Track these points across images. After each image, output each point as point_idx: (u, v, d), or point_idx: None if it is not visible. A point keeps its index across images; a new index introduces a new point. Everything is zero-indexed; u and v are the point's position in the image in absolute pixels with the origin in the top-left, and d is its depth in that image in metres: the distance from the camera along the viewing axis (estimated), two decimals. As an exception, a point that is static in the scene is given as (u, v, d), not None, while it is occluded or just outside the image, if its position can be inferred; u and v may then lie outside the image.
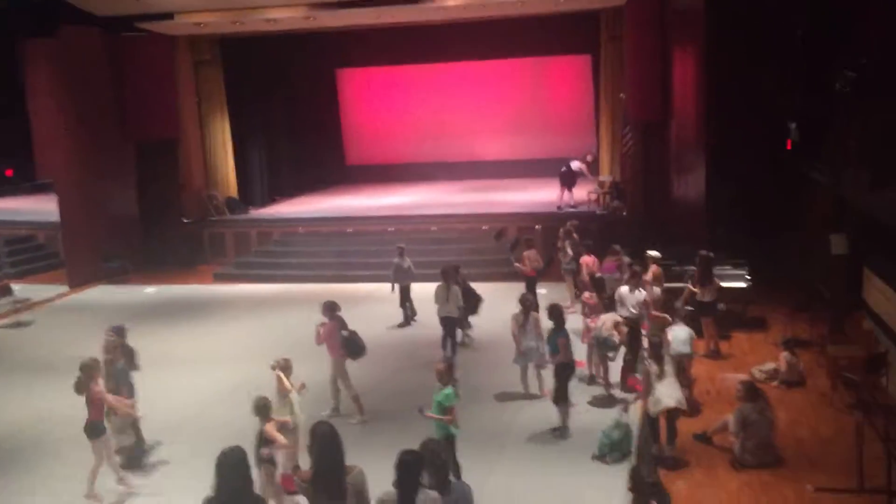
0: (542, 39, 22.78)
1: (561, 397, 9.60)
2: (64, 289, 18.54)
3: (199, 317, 15.92)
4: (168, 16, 18.89)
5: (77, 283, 18.74)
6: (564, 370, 9.61)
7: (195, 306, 16.77)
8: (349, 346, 10.27)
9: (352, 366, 10.60)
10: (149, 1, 17.47)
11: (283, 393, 8.40)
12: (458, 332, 12.63)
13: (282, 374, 8.43)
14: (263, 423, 7.63)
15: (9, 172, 20.39)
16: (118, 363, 9.30)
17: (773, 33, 14.16)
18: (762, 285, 13.35)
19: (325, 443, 5.40)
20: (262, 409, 7.66)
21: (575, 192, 20.13)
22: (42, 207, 20.53)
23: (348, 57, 25.11)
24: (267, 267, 19.03)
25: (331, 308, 10.51)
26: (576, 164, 19.67)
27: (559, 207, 19.38)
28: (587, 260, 13.81)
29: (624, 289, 11.21)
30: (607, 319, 10.61)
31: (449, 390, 8.07)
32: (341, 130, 26.95)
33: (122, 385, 9.11)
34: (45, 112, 18.79)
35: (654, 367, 8.74)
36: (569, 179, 19.51)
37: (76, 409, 8.59)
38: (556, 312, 9.91)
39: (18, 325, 16.12)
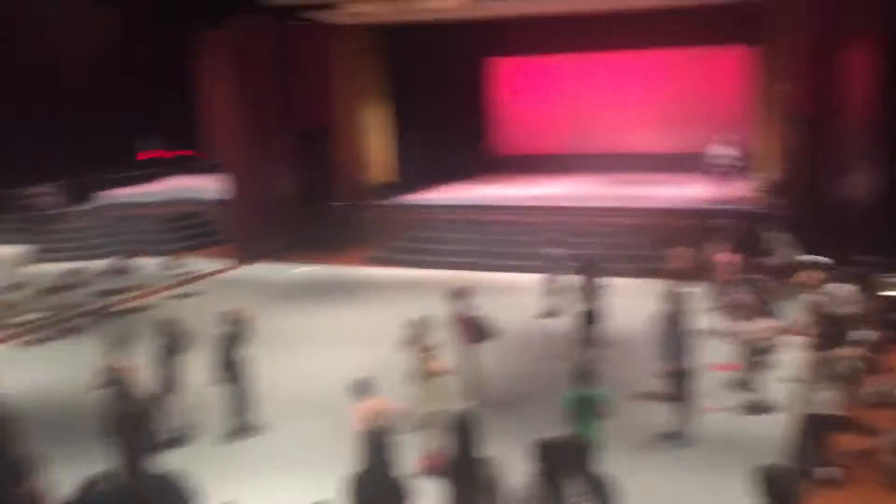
0: (702, 29, 21.91)
1: (679, 398, 9.27)
2: (228, 263, 19.65)
3: (351, 297, 16.48)
4: (331, 5, 19.53)
5: (240, 259, 19.82)
6: (683, 372, 9.26)
7: (348, 287, 17.39)
8: (478, 328, 10.31)
9: (488, 355, 10.66)
10: (314, -9, 18.09)
11: (429, 374, 8.57)
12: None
13: (428, 356, 8.58)
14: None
15: (182, 153, 21.80)
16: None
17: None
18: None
19: (465, 432, 5.45)
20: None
21: (731, 189, 19.32)
22: (209, 186, 21.86)
23: (502, 46, 25.13)
24: (418, 252, 19.40)
25: (459, 294, 10.55)
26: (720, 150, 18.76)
27: (716, 202, 18.65)
28: (724, 258, 13.23)
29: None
30: (764, 324, 10.16)
31: (570, 392, 7.82)
32: (491, 119, 27.04)
33: None
34: (216, 98, 19.96)
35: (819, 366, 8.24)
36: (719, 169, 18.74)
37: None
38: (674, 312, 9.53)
39: (186, 295, 17.23)
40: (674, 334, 9.55)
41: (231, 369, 9.71)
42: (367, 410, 7.56)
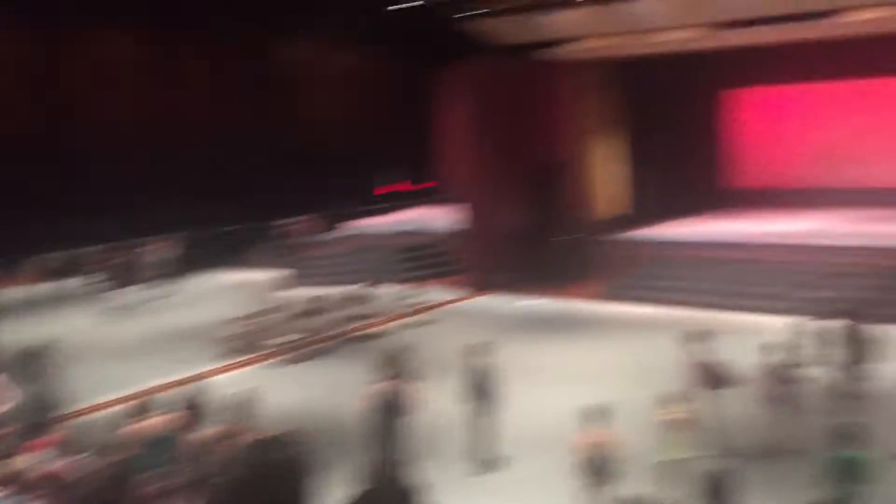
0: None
1: None
2: (463, 294, 20.29)
3: (583, 333, 16.43)
4: (564, 42, 19.78)
5: (475, 289, 20.42)
6: None
7: (580, 322, 17.40)
8: (713, 374, 9.90)
9: (731, 403, 10.18)
10: (546, 28, 18.40)
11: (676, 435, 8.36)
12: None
13: (678, 418, 8.39)
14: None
15: (422, 186, 22.92)
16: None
17: None
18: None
19: (718, 490, 5.24)
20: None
21: None
22: (445, 218, 22.76)
23: (740, 76, 24.19)
24: (652, 289, 18.89)
25: (698, 337, 10.19)
26: None
27: None
28: None
29: None
30: None
31: (835, 453, 7.30)
32: (729, 152, 26.02)
33: None
34: (453, 133, 20.87)
35: None
36: None
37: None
38: None
39: (422, 323, 17.97)
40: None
41: (483, 401, 10.04)
42: (590, 439, 7.62)
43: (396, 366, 9.67)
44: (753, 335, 14.97)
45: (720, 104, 25.96)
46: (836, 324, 11.60)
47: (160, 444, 7.81)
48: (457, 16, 18.27)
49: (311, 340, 16.20)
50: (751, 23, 17.45)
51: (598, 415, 8.01)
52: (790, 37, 18.97)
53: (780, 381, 10.17)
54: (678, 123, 24.52)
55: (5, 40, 19.44)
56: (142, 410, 8.37)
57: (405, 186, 27.41)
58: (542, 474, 9.87)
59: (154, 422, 8.16)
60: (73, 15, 20.27)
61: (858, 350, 11.38)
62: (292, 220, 24.42)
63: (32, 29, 20.23)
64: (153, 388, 12.67)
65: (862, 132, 23.20)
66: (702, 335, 10.35)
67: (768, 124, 25.01)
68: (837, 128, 23.61)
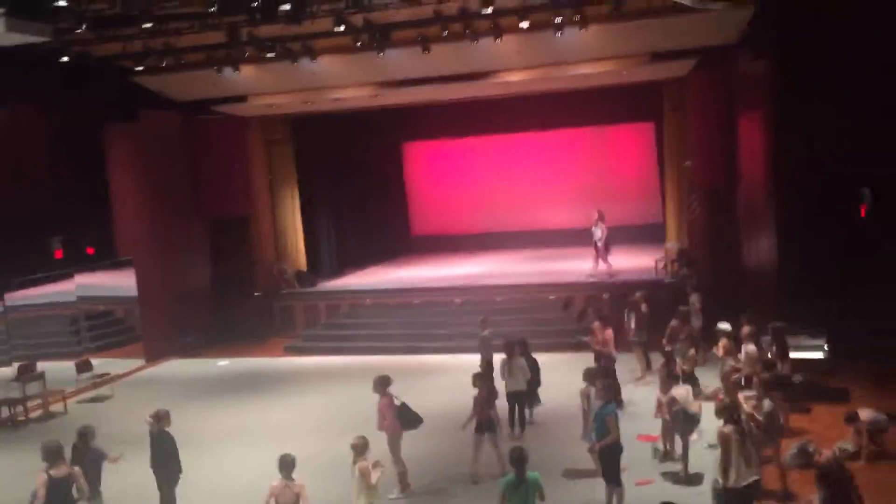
0: (605, 109, 22.90)
1: (611, 477, 9.32)
2: (140, 363, 19.06)
3: (270, 390, 16.13)
4: (241, 98, 19.70)
5: (153, 357, 19.27)
6: (612, 449, 9.32)
7: (266, 379, 17.02)
8: (403, 416, 10.27)
9: (420, 437, 10.55)
10: (222, 85, 18.22)
11: (367, 483, 8.48)
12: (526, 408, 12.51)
13: (366, 467, 8.47)
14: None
15: (90, 250, 21.25)
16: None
17: (842, 98, 14.03)
18: (844, 355, 12.92)
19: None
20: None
21: (640, 260, 19.96)
22: (120, 283, 21.29)
23: (413, 131, 25.63)
24: (336, 339, 19.25)
25: (382, 383, 10.56)
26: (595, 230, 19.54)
27: (591, 276, 19.33)
28: (598, 328, 13.55)
29: None
30: (684, 393, 10.40)
31: (506, 478, 7.85)
32: (407, 202, 27.41)
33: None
34: (126, 191, 19.72)
35: (735, 436, 8.34)
36: (598, 245, 19.46)
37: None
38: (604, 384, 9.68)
39: (97, 399, 16.60)
40: (597, 409, 9.68)
41: (166, 467, 9.55)
42: (282, 488, 7.94)
43: (62, 450, 8.73)
44: (436, 373, 15.90)
45: (400, 157, 27.27)
46: (506, 357, 12.56)
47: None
48: (132, 70, 17.43)
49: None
50: (417, 82, 18.62)
51: (287, 464, 8.14)
52: (449, 95, 20.56)
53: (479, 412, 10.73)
54: (362, 176, 25.38)
55: None
56: None
57: (73, 250, 25.24)
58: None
59: None
60: None
61: (524, 379, 12.39)
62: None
63: None
64: None
65: (524, 181, 25.60)
66: (384, 381, 10.62)
67: (442, 175, 26.68)
68: (503, 177, 25.81)
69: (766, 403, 9.68)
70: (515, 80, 18.70)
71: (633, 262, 20.99)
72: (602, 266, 19.45)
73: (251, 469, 11.46)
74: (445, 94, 20.28)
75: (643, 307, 14.66)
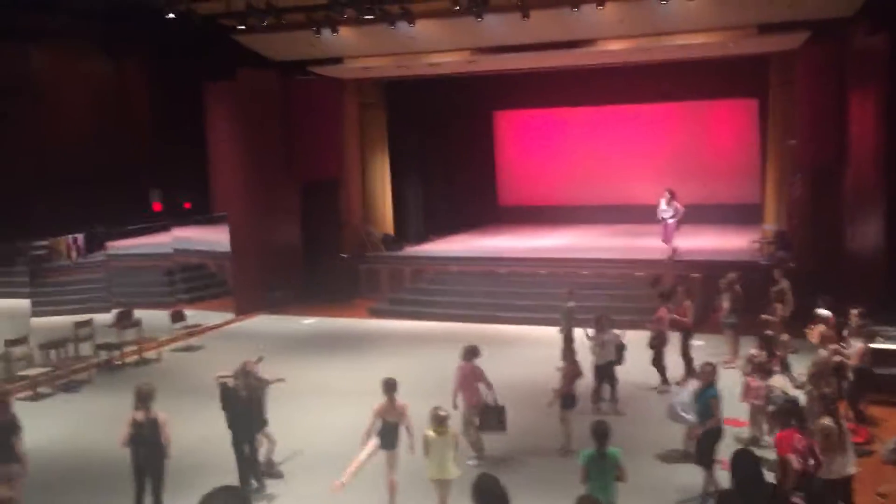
0: (706, 83, 22.16)
1: (706, 461, 9.06)
2: (230, 316, 19.59)
3: (352, 350, 16.35)
4: (338, 60, 19.82)
5: (243, 311, 19.77)
6: (713, 433, 9.08)
7: (349, 339, 17.25)
8: (485, 416, 10.28)
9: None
10: (321, 46, 18.35)
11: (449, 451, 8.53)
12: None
13: (430, 434, 8.50)
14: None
15: (187, 205, 21.88)
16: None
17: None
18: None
19: (492, 499, 5.24)
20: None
21: (737, 240, 19.31)
22: (214, 238, 21.90)
23: (506, 99, 25.36)
24: (420, 304, 19.34)
25: (471, 352, 10.49)
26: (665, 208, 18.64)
27: (669, 258, 18.61)
28: (662, 314, 13.13)
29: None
30: (783, 381, 10.06)
31: (586, 451, 7.66)
32: (496, 171, 27.22)
33: None
34: (222, 149, 20.17)
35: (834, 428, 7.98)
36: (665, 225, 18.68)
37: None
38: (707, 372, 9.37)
39: (189, 349, 17.17)
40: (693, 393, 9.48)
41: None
42: (388, 407, 8.91)
43: (154, 395, 9.03)
44: (520, 344, 15.80)
45: (491, 126, 27.08)
46: (592, 331, 12.38)
47: None
48: (233, 29, 17.74)
49: (73, 370, 14.98)
50: (514, 49, 18.35)
51: (391, 386, 9.02)
52: (548, 63, 20.20)
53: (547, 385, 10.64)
54: (452, 144, 25.33)
55: None
56: None
57: (171, 204, 26.07)
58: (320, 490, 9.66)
59: None
60: None
61: (611, 355, 12.19)
62: (50, 241, 22.38)
63: None
64: None
65: (618, 154, 25.08)
66: (472, 351, 10.58)
67: (534, 145, 26.38)
68: (596, 150, 25.37)
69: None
70: (615, 49, 18.24)
71: (728, 242, 20.36)
72: (667, 246, 18.78)
73: (329, 427, 11.65)
74: (541, 62, 19.94)
75: (737, 288, 14.19)
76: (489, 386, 10.33)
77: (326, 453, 10.63)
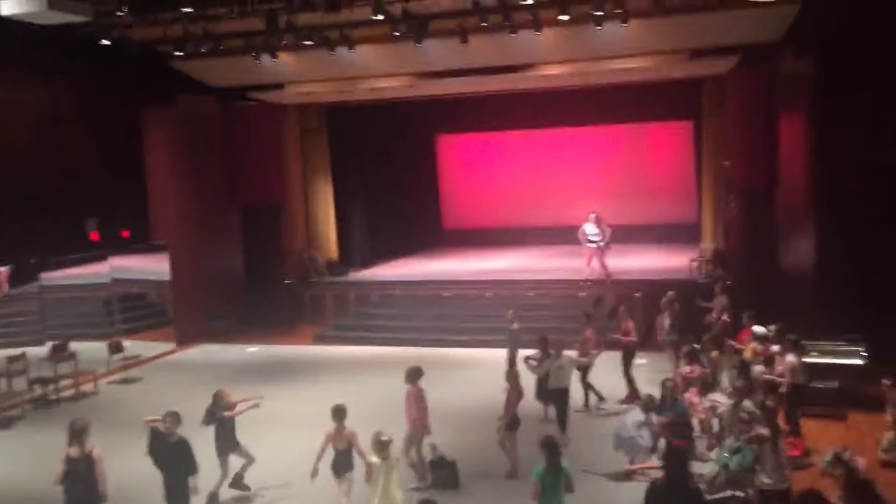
0: (643, 106, 22.67)
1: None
2: (171, 346, 19.20)
3: (298, 378, 16.15)
4: (278, 86, 19.74)
5: (183, 340, 19.41)
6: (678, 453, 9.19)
7: (295, 367, 17.04)
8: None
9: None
10: (260, 72, 18.25)
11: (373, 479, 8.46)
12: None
13: (374, 461, 8.44)
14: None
15: (125, 233, 21.42)
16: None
17: (888, 99, 13.69)
18: (883, 363, 12.59)
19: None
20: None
21: (675, 259, 19.70)
22: (154, 267, 21.47)
23: (448, 123, 25.57)
24: (365, 329, 19.24)
25: (414, 374, 10.49)
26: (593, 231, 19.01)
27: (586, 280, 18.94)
28: (588, 334, 13.41)
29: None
30: (724, 397, 10.27)
31: (538, 467, 7.80)
32: (440, 195, 27.33)
33: None
34: (161, 175, 19.85)
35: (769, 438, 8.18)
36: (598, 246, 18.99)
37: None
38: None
39: (127, 381, 16.75)
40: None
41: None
42: (336, 434, 9.03)
43: (88, 430, 8.76)
44: (465, 368, 15.82)
45: (434, 149, 27.21)
46: (537, 352, 12.46)
47: None
48: (170, 55, 17.54)
49: (5, 405, 14.51)
50: (455, 73, 18.52)
51: (340, 412, 9.18)
52: (486, 88, 20.43)
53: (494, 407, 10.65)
54: (395, 167, 25.36)
55: None
56: None
57: (108, 233, 25.50)
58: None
59: None
60: None
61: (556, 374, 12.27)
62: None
63: None
64: None
65: (559, 176, 25.41)
66: (417, 371, 10.55)
67: (476, 168, 26.57)
68: (538, 172, 25.66)
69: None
70: (554, 73, 18.53)
71: (667, 261, 20.74)
72: (597, 268, 19.04)
73: (277, 456, 11.47)
74: (482, 86, 20.15)
75: (676, 306, 14.45)
76: (423, 410, 10.34)
77: (279, 482, 10.50)
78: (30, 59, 23.23)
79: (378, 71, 18.68)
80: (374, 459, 8.42)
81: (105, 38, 16.10)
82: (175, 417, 9.14)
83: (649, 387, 13.02)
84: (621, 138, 25.15)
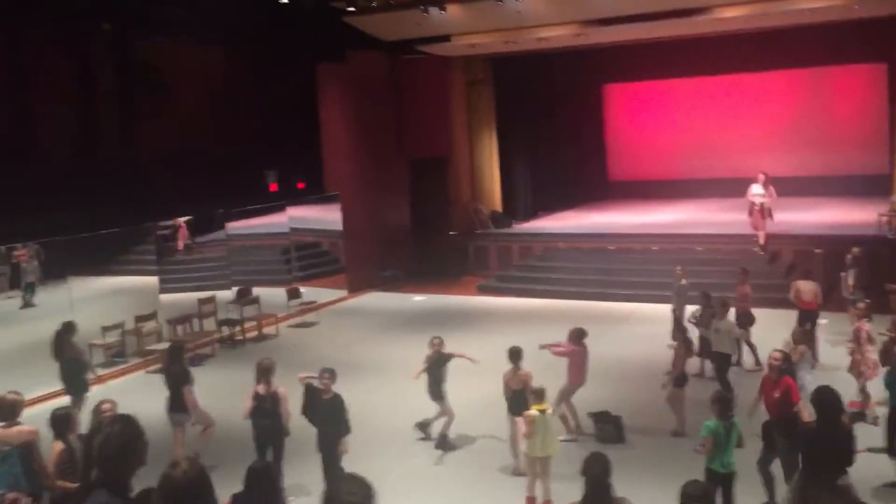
0: (828, 48, 21.04)
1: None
2: (343, 293, 20.11)
3: (462, 327, 16.48)
4: (445, 38, 19.88)
5: (355, 288, 20.26)
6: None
7: (459, 316, 17.40)
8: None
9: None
10: (428, 24, 18.45)
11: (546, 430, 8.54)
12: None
13: (533, 413, 8.52)
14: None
15: (301, 185, 22.48)
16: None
17: None
18: None
19: (598, 472, 5.34)
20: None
21: (861, 213, 18.42)
22: (327, 217, 22.47)
23: (615, 72, 24.86)
24: (528, 281, 19.32)
25: (578, 335, 10.51)
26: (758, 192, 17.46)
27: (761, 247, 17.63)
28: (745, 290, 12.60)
29: None
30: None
31: (709, 422, 7.58)
32: (606, 146, 26.78)
33: None
34: (335, 130, 20.62)
35: None
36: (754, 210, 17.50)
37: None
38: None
39: (305, 325, 17.74)
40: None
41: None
42: (512, 374, 9.41)
43: (274, 370, 9.39)
44: (629, 322, 15.61)
45: (600, 99, 26.64)
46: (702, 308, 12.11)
47: (13, 456, 7.35)
48: (342, 10, 18.10)
49: (194, 345, 15.74)
50: (625, 20, 17.95)
51: (516, 354, 9.62)
52: (660, 33, 19.65)
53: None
54: (560, 119, 25.03)
55: None
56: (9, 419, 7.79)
57: (286, 184, 26.89)
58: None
59: (14, 431, 7.63)
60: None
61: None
62: (171, 222, 23.53)
63: None
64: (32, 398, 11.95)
65: (733, 125, 24.25)
66: (581, 332, 10.56)
67: (645, 118, 25.81)
68: (710, 121, 24.62)
69: None
70: (730, 16, 17.54)
71: (852, 215, 19.43)
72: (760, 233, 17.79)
73: (456, 401, 11.69)
74: (652, 32, 19.38)
75: (861, 263, 13.55)
76: (583, 370, 10.41)
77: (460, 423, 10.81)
78: (210, 20, 24.58)
79: (545, 20, 18.40)
80: (533, 411, 8.52)
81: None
82: (331, 374, 9.01)
83: (831, 347, 12.45)
84: (801, 84, 23.59)
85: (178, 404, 9.96)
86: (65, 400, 11.20)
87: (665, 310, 14.13)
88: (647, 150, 25.70)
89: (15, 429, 7.65)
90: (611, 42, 20.99)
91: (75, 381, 11.63)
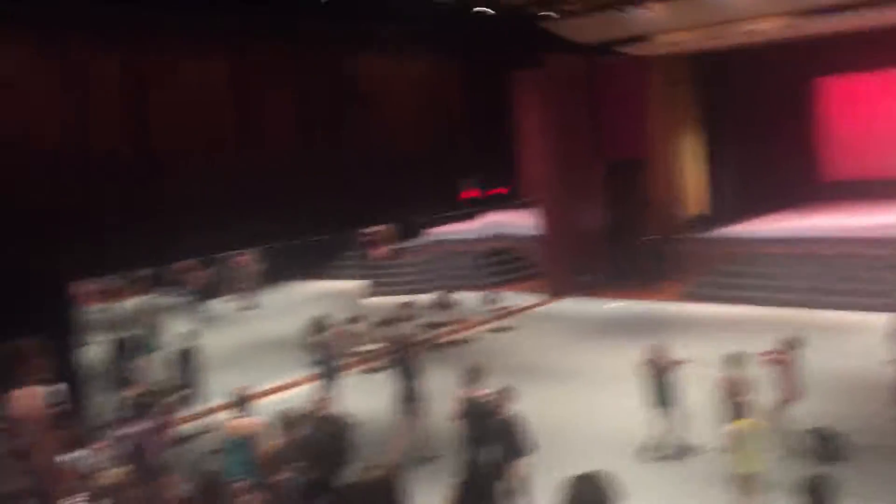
0: None
1: None
2: (541, 297, 20.11)
3: (666, 335, 15.98)
4: (643, 38, 19.43)
5: (553, 292, 20.22)
6: None
7: (663, 324, 16.88)
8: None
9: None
10: (627, 25, 18.12)
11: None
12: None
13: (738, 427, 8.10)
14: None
15: (500, 191, 22.77)
16: None
17: None
18: None
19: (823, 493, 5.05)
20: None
21: None
22: (517, 222, 22.65)
23: (827, 65, 23.22)
24: (734, 287, 18.43)
25: (791, 344, 9.95)
26: None
27: None
28: None
29: None
30: None
31: None
32: (818, 144, 25.06)
33: None
34: (532, 135, 20.69)
35: None
36: None
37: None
38: None
39: (503, 329, 17.90)
40: None
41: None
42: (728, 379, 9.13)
43: (482, 373, 9.57)
44: (849, 333, 14.52)
45: (809, 95, 25.01)
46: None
47: (241, 448, 7.93)
48: (537, 15, 18.22)
49: (395, 348, 16.31)
50: (836, 9, 16.78)
51: (734, 360, 9.33)
52: (880, 21, 18.16)
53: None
54: (766, 116, 23.77)
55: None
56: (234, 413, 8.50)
57: (484, 191, 27.35)
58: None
59: (240, 424, 8.27)
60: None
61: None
62: (373, 229, 24.61)
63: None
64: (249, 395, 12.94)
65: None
66: (797, 341, 9.99)
67: (863, 113, 23.95)
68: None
69: None
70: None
71: None
72: None
73: (627, 412, 11.34)
74: (869, 20, 17.93)
75: None
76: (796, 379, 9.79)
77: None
78: (412, 35, 25.43)
79: (752, 13, 17.52)
80: (738, 424, 8.11)
81: (476, 6, 17.02)
82: (506, 393, 8.72)
83: None
84: None
85: (410, 395, 10.90)
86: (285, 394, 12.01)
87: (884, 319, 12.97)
88: (865, 146, 23.77)
89: (246, 420, 8.30)
90: (823, 32, 19.62)
91: (328, 370, 12.90)
